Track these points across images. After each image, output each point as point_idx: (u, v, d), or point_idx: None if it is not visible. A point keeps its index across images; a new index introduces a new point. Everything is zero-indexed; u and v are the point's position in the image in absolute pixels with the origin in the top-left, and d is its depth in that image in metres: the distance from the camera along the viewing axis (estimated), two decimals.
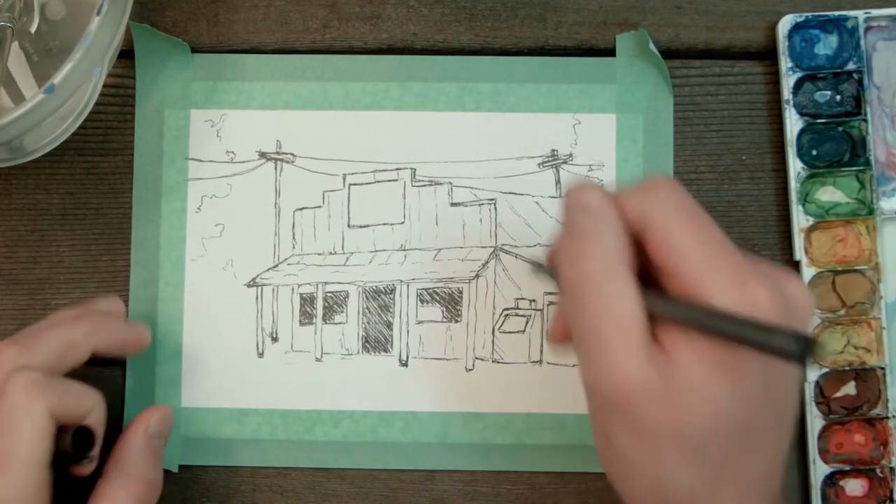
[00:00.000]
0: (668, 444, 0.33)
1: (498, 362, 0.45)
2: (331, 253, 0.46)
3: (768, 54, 0.46)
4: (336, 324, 0.46)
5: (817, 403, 0.44)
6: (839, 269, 0.45)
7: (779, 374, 0.34)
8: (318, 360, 0.46)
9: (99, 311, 0.43)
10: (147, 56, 0.46)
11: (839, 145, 0.45)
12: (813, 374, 0.44)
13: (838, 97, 0.45)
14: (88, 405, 0.38)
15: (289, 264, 0.46)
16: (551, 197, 0.46)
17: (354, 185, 0.46)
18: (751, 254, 0.45)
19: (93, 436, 0.38)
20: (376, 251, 0.46)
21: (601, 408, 0.34)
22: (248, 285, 0.46)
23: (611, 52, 0.46)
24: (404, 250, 0.46)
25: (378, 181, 0.46)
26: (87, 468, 0.39)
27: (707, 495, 0.34)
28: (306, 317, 0.46)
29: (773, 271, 0.34)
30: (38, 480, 0.36)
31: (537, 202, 0.46)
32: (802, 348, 0.30)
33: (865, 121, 0.45)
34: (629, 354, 0.32)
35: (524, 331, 0.45)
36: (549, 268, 0.37)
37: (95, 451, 0.38)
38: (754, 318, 0.32)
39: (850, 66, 0.45)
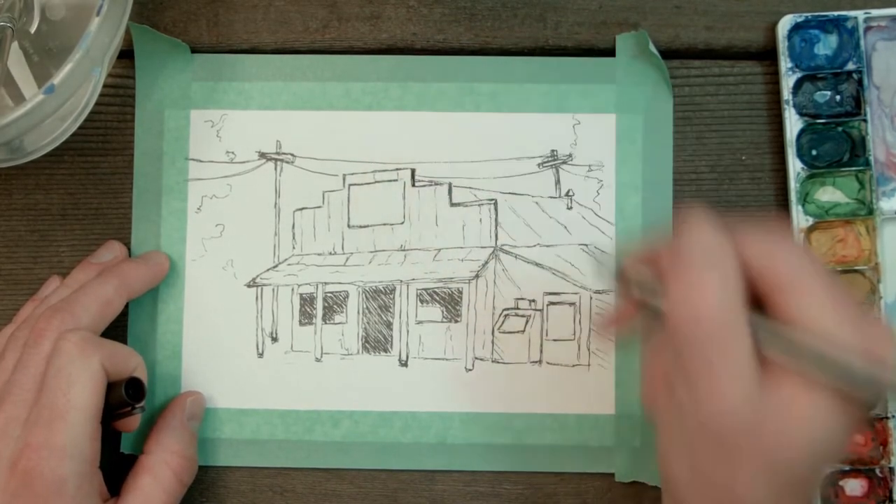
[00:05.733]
0: (760, 472, 0.33)
1: (498, 362, 0.45)
2: (331, 253, 0.46)
3: (768, 54, 0.46)
4: (336, 324, 0.46)
5: None
6: (839, 269, 0.45)
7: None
8: (317, 360, 0.46)
9: (114, 262, 0.45)
10: (147, 56, 0.46)
11: (839, 145, 0.45)
12: None
13: (838, 97, 0.45)
14: (134, 362, 0.41)
15: (289, 264, 0.46)
16: (551, 197, 0.46)
17: (354, 185, 0.46)
18: None
19: (143, 386, 0.41)
20: (376, 251, 0.46)
21: (698, 430, 0.34)
22: (248, 285, 0.46)
23: (611, 53, 0.46)
24: (404, 250, 0.46)
25: (378, 181, 0.46)
26: (133, 422, 0.42)
27: None
28: (306, 317, 0.46)
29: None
30: (92, 430, 0.38)
31: (537, 202, 0.46)
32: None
33: (865, 121, 0.45)
34: (736, 383, 0.33)
35: (524, 331, 0.45)
36: (622, 274, 0.37)
37: (144, 402, 0.41)
38: (857, 359, 0.32)
39: (850, 66, 0.45)
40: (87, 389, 0.38)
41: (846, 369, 0.32)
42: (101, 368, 0.39)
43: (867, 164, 0.45)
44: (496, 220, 0.46)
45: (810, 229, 0.44)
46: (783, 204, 0.46)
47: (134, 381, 0.40)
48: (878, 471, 0.44)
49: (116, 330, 0.45)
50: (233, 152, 0.46)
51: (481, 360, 0.45)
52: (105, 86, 0.42)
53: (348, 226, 0.46)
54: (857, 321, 0.33)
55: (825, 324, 0.33)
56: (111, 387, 0.40)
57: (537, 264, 0.45)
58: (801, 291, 0.33)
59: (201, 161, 0.46)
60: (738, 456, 0.33)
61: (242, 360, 0.46)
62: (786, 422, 0.33)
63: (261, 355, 0.46)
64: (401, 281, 0.46)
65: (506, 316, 0.46)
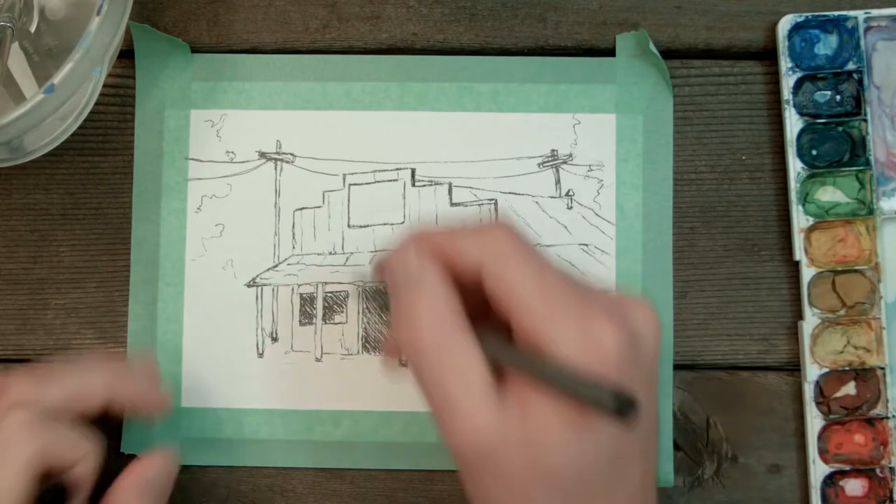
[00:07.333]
0: (536, 490, 0.33)
1: None
2: (331, 253, 0.46)
3: (768, 54, 0.46)
4: (336, 324, 0.46)
5: (817, 403, 0.44)
6: (839, 269, 0.45)
7: None
8: (317, 360, 0.46)
9: (126, 366, 0.43)
10: (147, 56, 0.46)
11: (839, 145, 0.45)
12: (813, 374, 0.44)
13: (838, 97, 0.45)
14: (79, 455, 0.38)
15: (289, 264, 0.46)
16: (551, 197, 0.46)
17: (354, 185, 0.46)
18: (751, 253, 0.45)
19: (65, 494, 0.37)
20: (376, 251, 0.46)
21: (464, 465, 0.34)
22: (248, 285, 0.46)
23: (611, 52, 0.46)
24: None
25: (378, 181, 0.46)
26: None
27: None
28: (306, 317, 0.46)
29: (617, 303, 0.34)
30: None
31: (537, 202, 0.46)
32: (618, 406, 0.30)
33: (865, 121, 0.45)
34: (476, 411, 0.32)
35: None
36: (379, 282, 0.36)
37: None
38: (580, 372, 0.31)
39: (850, 66, 0.45)
40: (10, 478, 0.35)
41: (566, 380, 0.31)
42: (34, 457, 0.36)
43: (867, 163, 0.45)
44: (496, 219, 0.46)
45: (810, 229, 0.44)
46: (783, 204, 0.46)
47: (55, 486, 0.36)
48: (878, 471, 0.44)
49: (117, 330, 0.45)
50: (233, 152, 0.46)
51: None
52: (105, 86, 0.42)
53: (348, 225, 0.46)
54: (574, 314, 0.32)
55: (544, 335, 0.32)
56: (44, 479, 0.36)
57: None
58: (509, 293, 0.33)
59: (201, 161, 0.46)
60: (507, 475, 0.33)
61: (242, 360, 0.46)
62: (536, 434, 0.32)
63: (261, 355, 0.46)
64: None
65: None
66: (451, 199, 0.46)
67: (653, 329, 0.35)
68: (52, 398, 0.38)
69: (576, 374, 0.31)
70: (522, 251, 0.34)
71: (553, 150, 0.46)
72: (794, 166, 0.45)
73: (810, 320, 0.44)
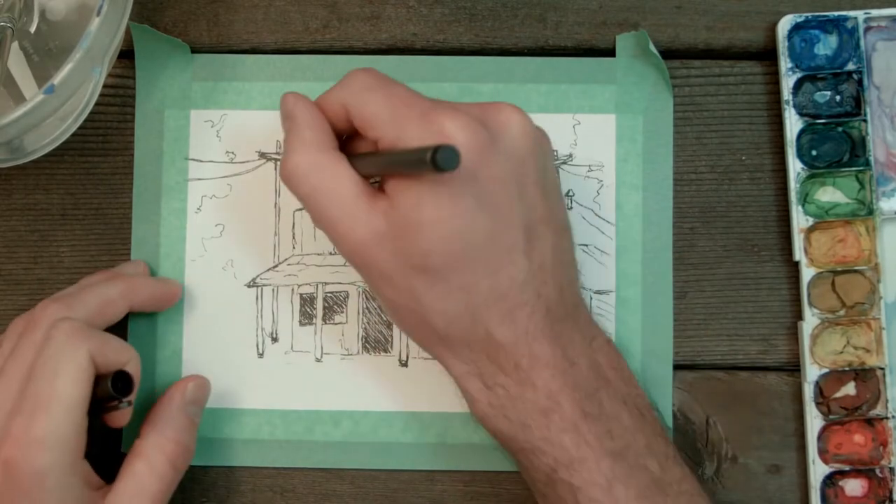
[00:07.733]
0: (414, 279, 0.37)
1: None
2: (331, 253, 0.46)
3: (768, 54, 0.46)
4: (336, 324, 0.46)
5: (817, 404, 0.44)
6: (839, 269, 0.45)
7: (489, 188, 0.36)
8: (318, 360, 0.46)
9: (129, 273, 0.45)
10: (147, 56, 0.46)
11: (839, 146, 0.45)
12: (813, 374, 0.44)
13: (838, 97, 0.45)
14: (126, 356, 0.40)
15: (289, 264, 0.46)
16: None
17: None
18: (751, 253, 0.45)
19: (131, 380, 0.39)
20: None
21: (360, 272, 0.39)
22: (248, 285, 0.46)
23: (611, 53, 0.46)
24: None
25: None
26: (122, 417, 0.41)
27: (469, 319, 0.37)
28: (306, 317, 0.46)
29: (476, 106, 0.38)
30: (75, 423, 0.38)
31: None
32: (434, 156, 0.33)
33: (865, 121, 0.45)
34: (349, 217, 0.37)
35: None
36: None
37: (132, 396, 0.40)
38: (408, 148, 0.36)
39: (850, 66, 0.45)
40: (71, 380, 0.37)
41: (396, 158, 0.37)
42: (89, 359, 0.38)
43: (867, 164, 0.45)
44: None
45: (810, 230, 0.45)
46: (783, 204, 0.46)
47: (121, 374, 0.39)
48: (878, 471, 0.44)
49: (117, 330, 0.45)
50: (233, 152, 0.46)
51: None
52: (105, 86, 0.42)
53: None
54: (418, 114, 0.36)
55: (394, 139, 0.37)
56: (99, 379, 0.39)
57: None
58: (365, 118, 0.38)
59: (201, 161, 0.46)
60: (388, 270, 0.37)
61: (242, 360, 0.46)
62: (405, 222, 0.36)
63: (261, 355, 0.46)
64: None
65: None
66: None
67: (518, 125, 0.38)
68: (81, 317, 0.40)
69: (404, 149, 0.36)
70: (375, 83, 0.39)
71: (553, 151, 0.46)
72: (794, 166, 0.45)
73: (810, 320, 0.44)
